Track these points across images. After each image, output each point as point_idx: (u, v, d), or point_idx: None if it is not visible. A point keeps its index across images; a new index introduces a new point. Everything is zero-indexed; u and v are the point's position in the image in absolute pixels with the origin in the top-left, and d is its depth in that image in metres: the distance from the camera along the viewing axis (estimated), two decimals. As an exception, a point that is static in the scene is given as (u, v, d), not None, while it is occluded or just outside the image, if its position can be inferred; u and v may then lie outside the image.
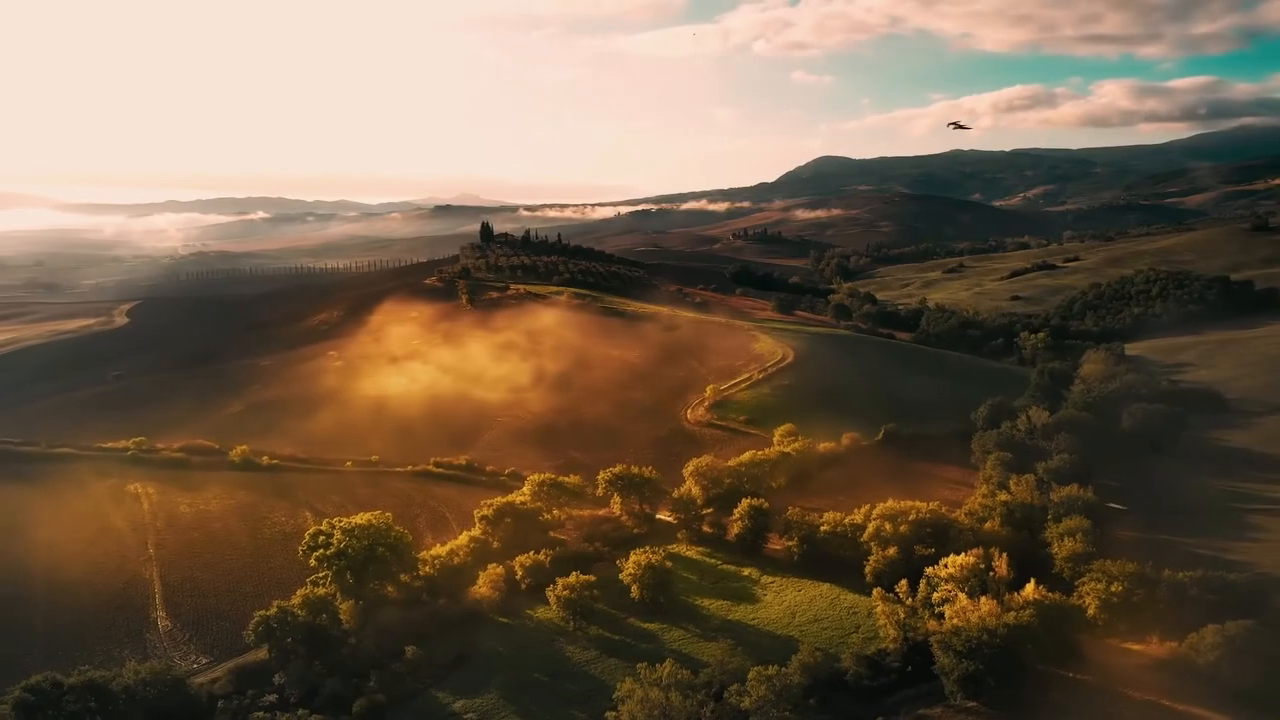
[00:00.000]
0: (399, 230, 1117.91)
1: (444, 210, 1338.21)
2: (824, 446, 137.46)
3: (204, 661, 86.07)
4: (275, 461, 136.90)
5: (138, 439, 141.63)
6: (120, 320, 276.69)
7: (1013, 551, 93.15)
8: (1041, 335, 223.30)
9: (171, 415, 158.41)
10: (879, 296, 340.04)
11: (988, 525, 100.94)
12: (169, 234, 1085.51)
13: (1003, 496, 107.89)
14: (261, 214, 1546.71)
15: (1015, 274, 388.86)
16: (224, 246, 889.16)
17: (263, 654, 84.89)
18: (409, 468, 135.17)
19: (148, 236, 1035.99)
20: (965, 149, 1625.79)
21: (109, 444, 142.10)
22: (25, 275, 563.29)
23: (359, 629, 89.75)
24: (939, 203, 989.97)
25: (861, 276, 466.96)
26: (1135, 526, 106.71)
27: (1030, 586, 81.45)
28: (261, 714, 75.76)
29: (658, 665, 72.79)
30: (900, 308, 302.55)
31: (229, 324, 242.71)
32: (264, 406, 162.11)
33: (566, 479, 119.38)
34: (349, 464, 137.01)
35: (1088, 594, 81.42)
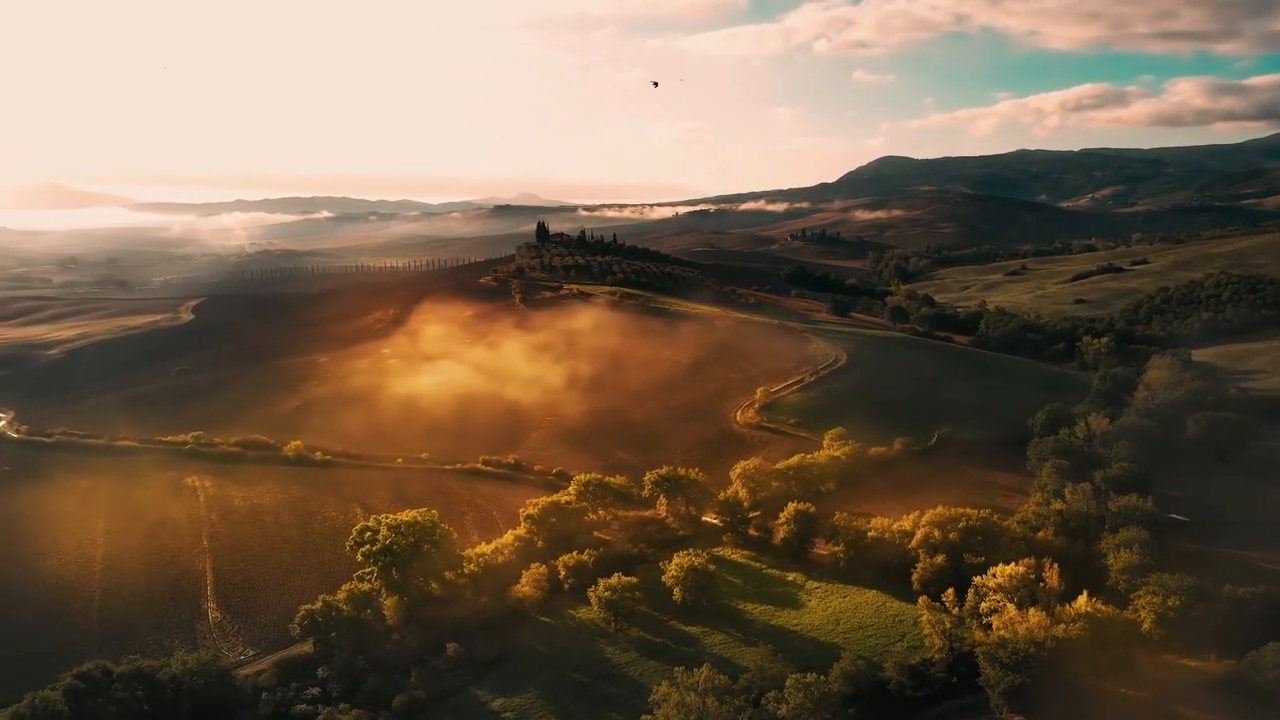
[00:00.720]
0: (458, 230, 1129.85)
1: (503, 210, 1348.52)
2: (875, 451, 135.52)
3: (251, 653, 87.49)
4: (327, 457, 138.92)
5: (196, 433, 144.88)
6: (186, 317, 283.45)
7: (1066, 562, 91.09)
8: (1105, 340, 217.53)
9: (230, 410, 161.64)
10: (938, 299, 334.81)
11: (1040, 534, 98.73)
12: (234, 233, 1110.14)
13: (1057, 505, 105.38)
14: (326, 213, 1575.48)
15: (1079, 277, 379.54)
16: (288, 245, 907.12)
17: (307, 647, 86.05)
18: (458, 465, 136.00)
19: (215, 235, 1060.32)
20: (1032, 149, 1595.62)
21: (169, 437, 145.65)
22: (99, 272, 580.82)
23: (402, 625, 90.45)
24: (1003, 203, 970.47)
25: (921, 278, 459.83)
26: (1197, 539, 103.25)
27: (1082, 598, 79.19)
28: (304, 707, 76.74)
29: (695, 670, 72.12)
30: (959, 310, 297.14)
31: (288, 321, 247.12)
32: (319, 402, 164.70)
33: (612, 479, 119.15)
34: (399, 460, 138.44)
35: (1143, 608, 79.10)
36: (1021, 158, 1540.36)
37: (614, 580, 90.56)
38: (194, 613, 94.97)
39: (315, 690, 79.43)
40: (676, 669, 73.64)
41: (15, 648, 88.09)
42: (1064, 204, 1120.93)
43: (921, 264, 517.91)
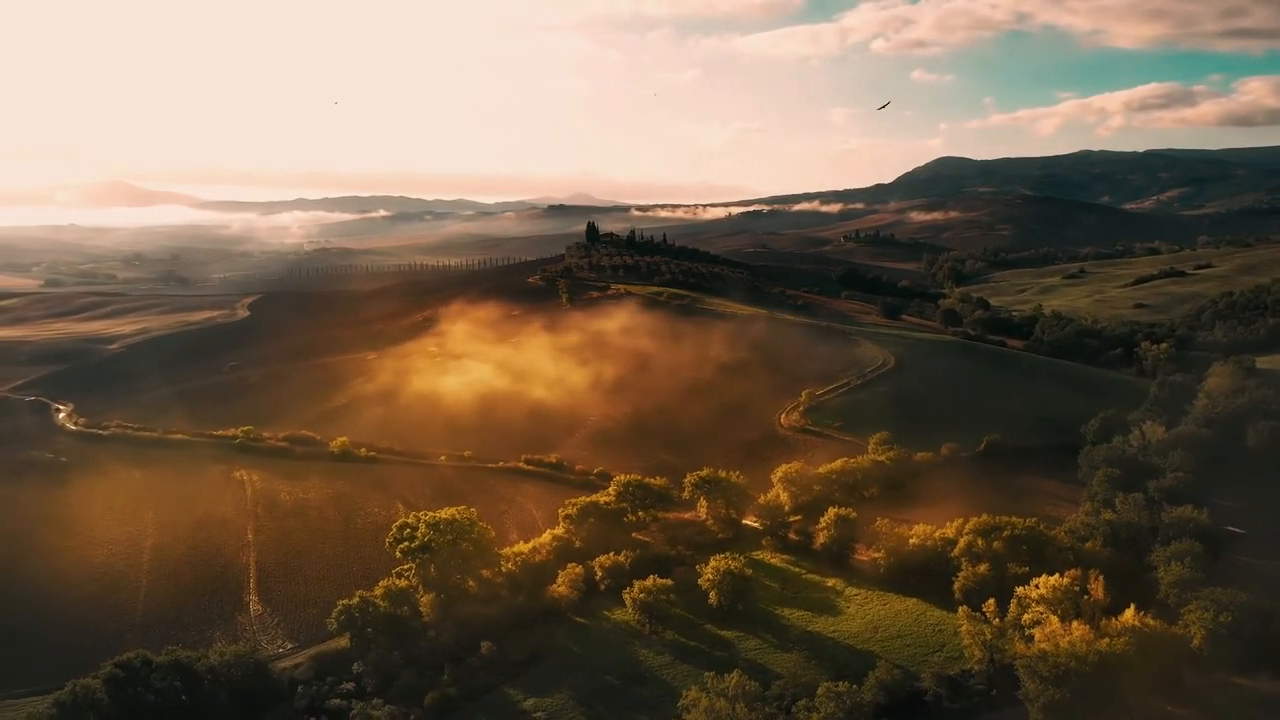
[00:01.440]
0: (512, 229, 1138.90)
1: (557, 210, 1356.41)
2: (920, 456, 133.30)
3: (289, 646, 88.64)
4: (372, 453, 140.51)
5: (246, 427, 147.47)
6: (242, 313, 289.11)
7: (1115, 574, 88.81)
8: (1164, 346, 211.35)
9: (279, 405, 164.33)
10: (993, 302, 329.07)
11: (1088, 545, 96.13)
12: (291, 231, 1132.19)
13: (1107, 515, 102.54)
14: (383, 212, 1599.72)
15: (1140, 281, 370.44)
16: (345, 243, 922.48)
17: (344, 642, 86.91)
18: (500, 464, 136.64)
19: (273, 233, 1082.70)
20: (1095, 149, 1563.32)
21: (220, 431, 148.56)
22: (162, 269, 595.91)
23: (438, 622, 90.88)
24: (1064, 205, 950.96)
25: (976, 281, 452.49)
26: (1254, 553, 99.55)
27: (1129, 612, 76.86)
28: (338, 701, 77.46)
29: (725, 675, 71.34)
30: (1014, 314, 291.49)
31: (339, 318, 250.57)
32: (365, 399, 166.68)
33: (651, 481, 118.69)
34: (443, 458, 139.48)
35: (1193, 623, 76.43)
36: (1084, 159, 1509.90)
37: (649, 582, 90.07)
38: (236, 604, 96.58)
39: (350, 685, 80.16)
40: (707, 674, 73.06)
41: (64, 635, 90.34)
42: (1127, 206, 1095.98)
43: (977, 266, 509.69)
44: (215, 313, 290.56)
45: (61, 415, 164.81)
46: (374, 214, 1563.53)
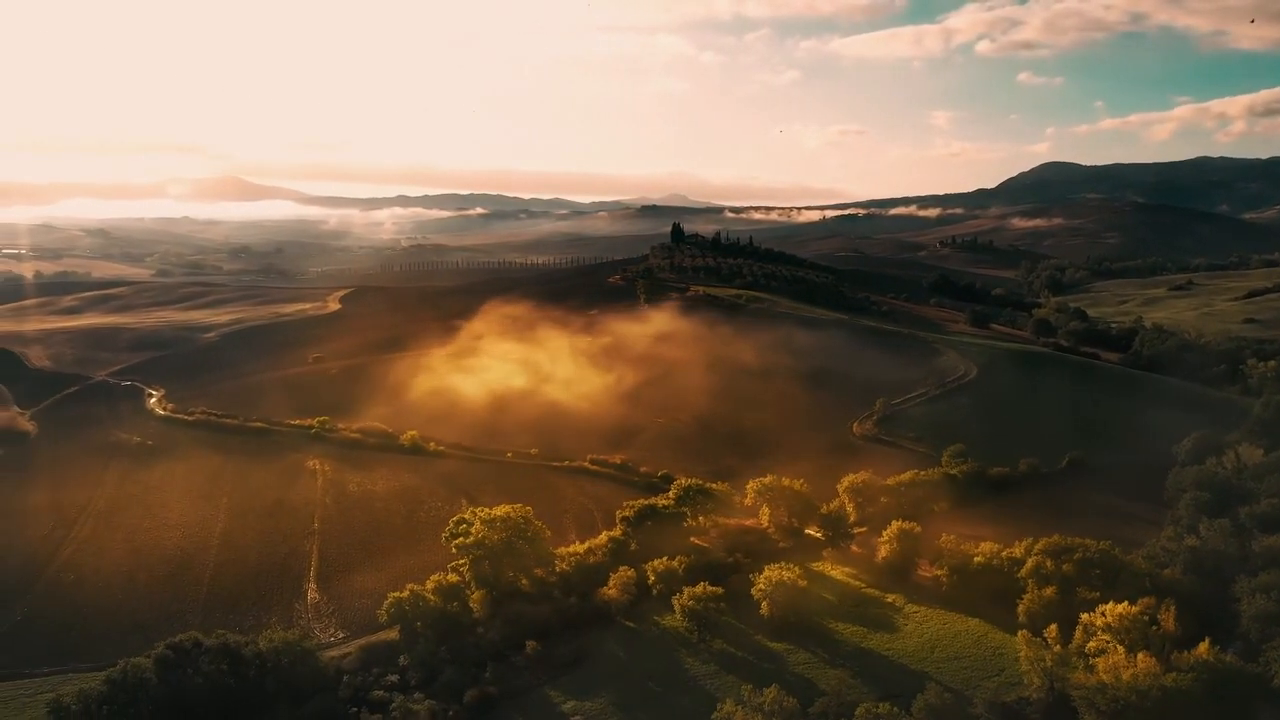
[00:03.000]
0: (604, 229, 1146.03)
1: (650, 210, 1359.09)
2: (996, 471, 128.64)
3: (341, 635, 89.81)
4: (441, 448, 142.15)
5: (322, 418, 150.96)
6: (333, 306, 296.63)
7: (1194, 605, 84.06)
8: (1272, 364, 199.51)
9: (357, 397, 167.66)
10: (1091, 313, 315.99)
11: (1167, 572, 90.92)
12: (385, 227, 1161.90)
13: (1190, 541, 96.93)
14: (479, 210, 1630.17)
15: (1253, 294, 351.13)
16: (441, 240, 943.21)
17: (393, 634, 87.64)
18: (565, 463, 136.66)
19: (372, 229, 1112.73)
20: (1214, 156, 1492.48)
21: (297, 421, 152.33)
22: (265, 262, 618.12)
23: (488, 619, 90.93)
24: (1177, 213, 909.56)
25: (1076, 290, 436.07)
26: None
27: (1203, 646, 72.39)
28: (381, 693, 78.02)
29: (764, 689, 69.41)
30: (1113, 326, 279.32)
31: (422, 313, 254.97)
32: (439, 394, 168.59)
33: (713, 485, 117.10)
34: (509, 455, 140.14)
35: (1274, 661, 71.43)
36: (1201, 165, 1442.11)
37: (699, 589, 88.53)
38: (295, 592, 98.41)
39: (394, 678, 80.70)
40: (744, 686, 71.27)
41: (131, 614, 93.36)
42: (1247, 216, 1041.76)
43: (1078, 275, 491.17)
44: (307, 305, 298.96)
45: (152, 400, 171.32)
46: (471, 211, 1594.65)
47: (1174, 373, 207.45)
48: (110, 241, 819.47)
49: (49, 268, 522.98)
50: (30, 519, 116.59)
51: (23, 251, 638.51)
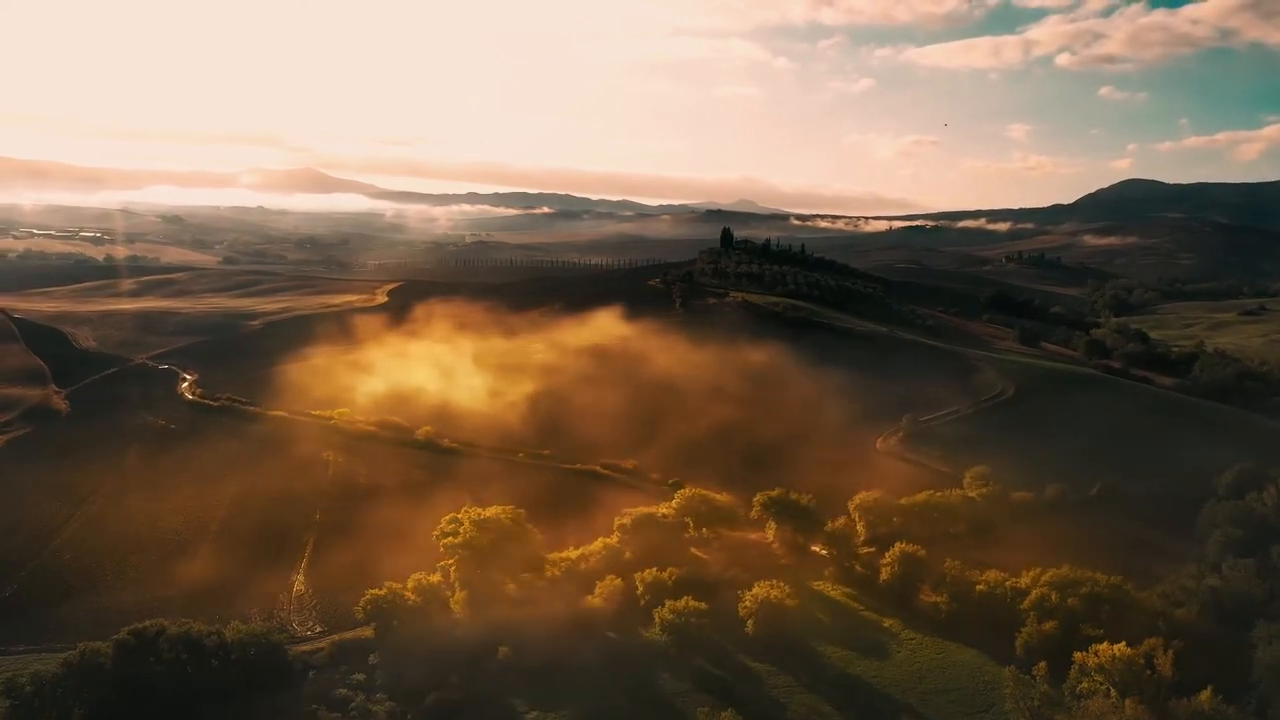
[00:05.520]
0: (666, 232, 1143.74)
1: (714, 215, 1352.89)
2: (1019, 495, 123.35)
3: (318, 630, 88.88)
4: (454, 445, 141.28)
5: (341, 409, 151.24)
6: (380, 299, 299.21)
7: (1207, 649, 79.09)
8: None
9: (381, 390, 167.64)
10: (1153, 335, 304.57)
11: (1180, 612, 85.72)
12: (441, 222, 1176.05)
13: (1212, 580, 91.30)
14: (546, 209, 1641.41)
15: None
16: (504, 238, 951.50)
17: (369, 632, 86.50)
18: (577, 466, 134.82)
19: (435, 225, 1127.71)
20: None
21: (317, 411, 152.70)
22: (327, 253, 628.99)
23: (468, 621, 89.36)
24: (1261, 235, 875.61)
25: (1143, 311, 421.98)
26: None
27: (1205, 694, 67.75)
28: (345, 691, 76.89)
29: (720, 713, 66.57)
30: (1173, 350, 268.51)
31: (465, 308, 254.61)
32: (463, 389, 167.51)
33: (717, 496, 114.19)
34: (521, 455, 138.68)
35: (1280, 716, 66.47)
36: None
37: (680, 603, 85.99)
38: (281, 583, 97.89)
39: (360, 676, 79.47)
40: (699, 710, 68.35)
41: (115, 598, 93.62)
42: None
43: (1147, 296, 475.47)
44: (355, 297, 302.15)
45: (184, 385, 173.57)
46: (536, 210, 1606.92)
47: (1231, 401, 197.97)
48: (184, 228, 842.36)
49: (120, 251, 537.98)
50: (43, 496, 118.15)
51: (101, 235, 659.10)
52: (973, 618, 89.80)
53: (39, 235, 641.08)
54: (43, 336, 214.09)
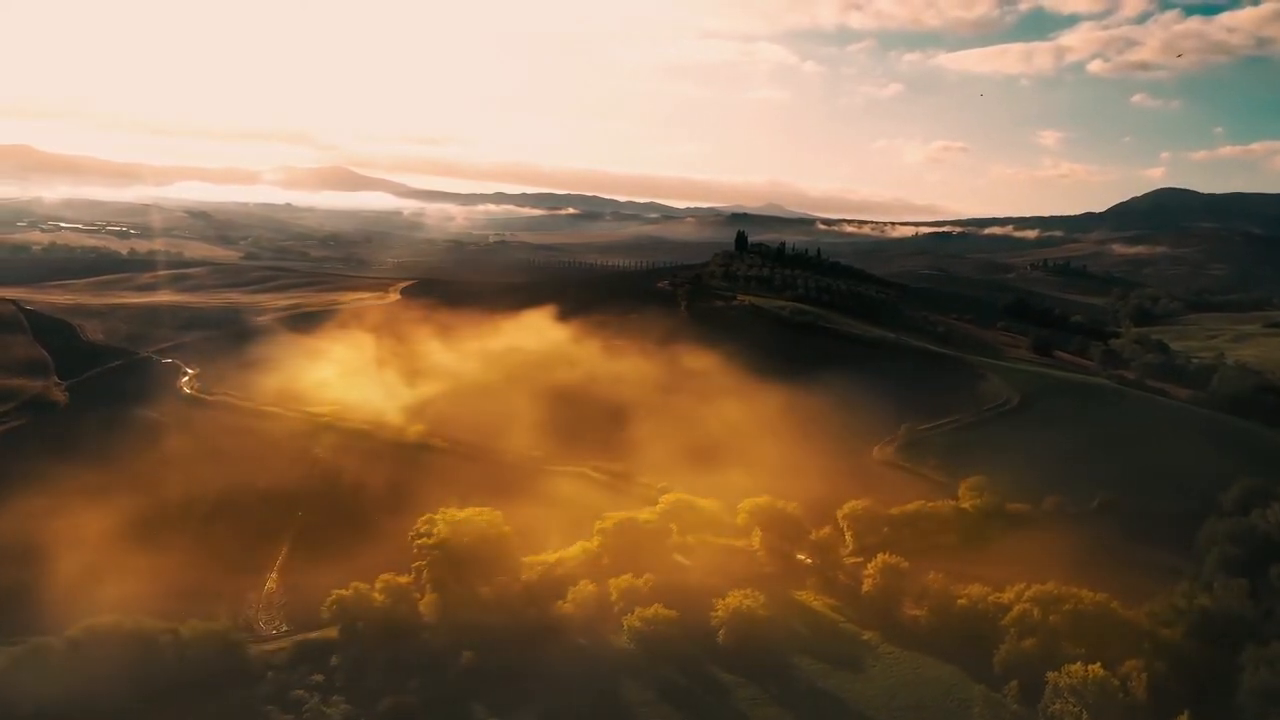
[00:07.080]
0: (689, 234, 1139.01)
1: (739, 218, 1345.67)
2: (1014, 507, 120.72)
3: (285, 629, 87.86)
4: (445, 444, 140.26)
5: (335, 406, 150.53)
6: (392, 297, 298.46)
7: (1195, 670, 76.75)
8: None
9: (379, 388, 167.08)
10: (1175, 346, 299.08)
11: (1168, 631, 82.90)
12: (458, 221, 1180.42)
13: (1203, 600, 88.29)
14: (571, 210, 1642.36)
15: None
16: (527, 237, 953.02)
17: (334, 633, 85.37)
18: (567, 468, 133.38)
19: (455, 224, 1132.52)
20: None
21: (310, 408, 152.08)
22: (349, 250, 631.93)
23: (435, 624, 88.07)
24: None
25: (1167, 321, 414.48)
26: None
27: (1182, 718, 65.00)
28: (301, 692, 75.75)
29: (672, 727, 64.73)
30: (1193, 361, 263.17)
31: (473, 308, 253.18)
32: (459, 389, 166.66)
33: (702, 502, 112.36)
34: (511, 456, 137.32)
35: (1262, 746, 63.79)
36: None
37: (649, 611, 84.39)
38: (254, 582, 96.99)
39: (319, 678, 78.35)
40: (653, 722, 66.55)
41: (85, 594, 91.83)
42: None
43: (1172, 306, 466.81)
44: (366, 294, 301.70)
45: (185, 379, 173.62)
46: (561, 211, 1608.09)
47: (1249, 414, 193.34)
48: (210, 224, 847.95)
49: (144, 246, 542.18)
50: (30, 487, 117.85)
51: (126, 229, 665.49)
52: (954, 632, 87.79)
53: (65, 229, 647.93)
54: (51, 328, 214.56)
